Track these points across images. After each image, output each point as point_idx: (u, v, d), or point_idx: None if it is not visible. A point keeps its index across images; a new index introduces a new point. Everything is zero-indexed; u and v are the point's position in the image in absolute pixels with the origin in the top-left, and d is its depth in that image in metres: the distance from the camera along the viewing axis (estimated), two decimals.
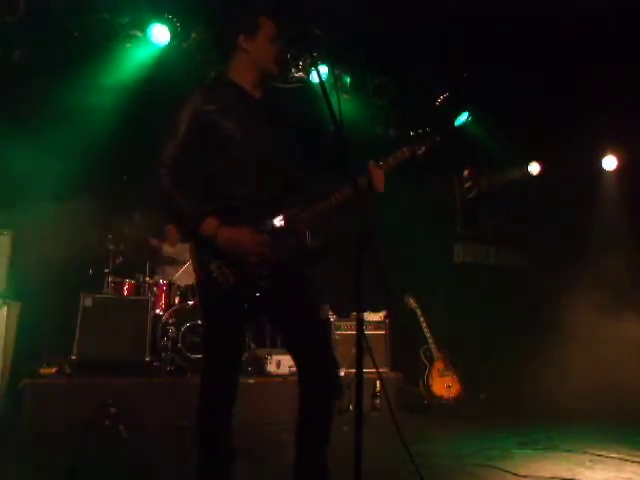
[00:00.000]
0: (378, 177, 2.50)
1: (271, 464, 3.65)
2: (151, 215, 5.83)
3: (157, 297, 5.69)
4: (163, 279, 5.87)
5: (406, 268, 6.55)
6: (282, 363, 5.32)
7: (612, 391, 5.38)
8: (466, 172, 7.98)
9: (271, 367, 5.35)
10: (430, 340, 5.83)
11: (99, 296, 5.22)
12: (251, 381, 5.02)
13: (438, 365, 5.79)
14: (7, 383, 4.46)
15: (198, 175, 2.44)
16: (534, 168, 7.96)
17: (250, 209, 2.39)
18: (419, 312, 5.89)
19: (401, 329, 6.25)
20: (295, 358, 2.51)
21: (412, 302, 5.95)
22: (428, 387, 5.70)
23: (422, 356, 5.82)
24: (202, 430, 2.40)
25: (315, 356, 2.43)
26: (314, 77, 6.20)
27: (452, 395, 5.70)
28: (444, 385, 5.71)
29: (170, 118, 2.42)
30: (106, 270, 5.56)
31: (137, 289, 5.67)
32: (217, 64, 5.77)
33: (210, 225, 2.32)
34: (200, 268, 2.40)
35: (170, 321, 5.42)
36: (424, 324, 5.85)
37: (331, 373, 2.47)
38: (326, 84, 2.38)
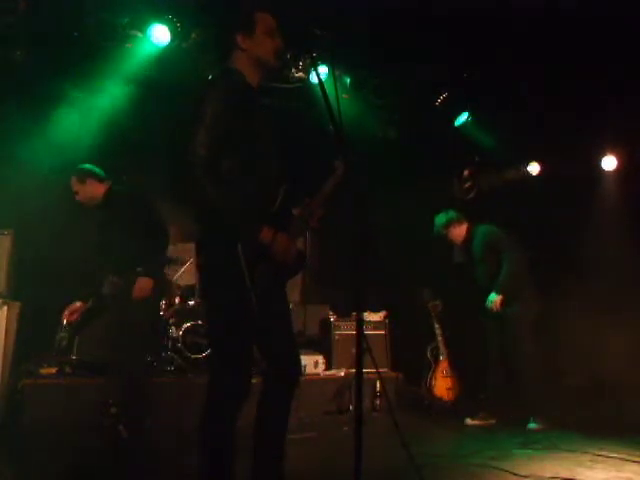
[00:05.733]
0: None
1: None
2: None
3: None
4: None
5: (406, 268, 6.53)
6: None
7: (612, 390, 5.38)
8: (466, 172, 7.97)
9: None
10: (439, 339, 5.80)
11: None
12: (252, 380, 5.02)
13: (443, 365, 5.77)
14: (7, 383, 4.46)
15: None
16: (534, 168, 7.95)
17: (265, 215, 2.41)
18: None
19: (401, 329, 6.23)
20: (266, 357, 2.64)
21: (429, 298, 5.91)
22: (430, 387, 5.68)
23: (429, 354, 5.79)
24: (211, 431, 2.38)
25: (286, 358, 2.59)
26: (314, 77, 6.19)
27: (453, 397, 5.69)
28: (446, 386, 5.69)
29: (199, 115, 2.30)
30: None
31: None
32: (218, 63, 5.76)
33: (269, 233, 2.35)
34: (246, 269, 2.32)
35: (170, 321, 5.42)
36: (437, 322, 5.82)
37: (297, 373, 2.61)
38: (326, 84, 2.38)
